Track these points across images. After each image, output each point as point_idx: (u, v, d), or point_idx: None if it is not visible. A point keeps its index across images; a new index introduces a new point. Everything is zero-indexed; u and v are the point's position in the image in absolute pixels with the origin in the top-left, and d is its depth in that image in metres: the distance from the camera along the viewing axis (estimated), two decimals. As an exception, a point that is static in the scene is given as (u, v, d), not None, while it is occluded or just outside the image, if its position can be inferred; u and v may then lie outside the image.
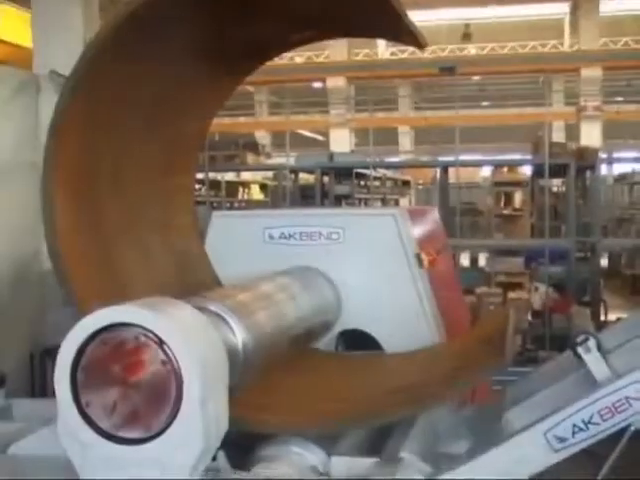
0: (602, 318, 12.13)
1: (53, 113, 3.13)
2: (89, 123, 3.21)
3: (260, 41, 3.66)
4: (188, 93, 3.74)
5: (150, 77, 3.42)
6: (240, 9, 3.30)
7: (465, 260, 17.84)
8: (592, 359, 3.10)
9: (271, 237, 4.30)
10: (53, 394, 2.48)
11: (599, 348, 3.12)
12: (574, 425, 2.87)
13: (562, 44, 31.75)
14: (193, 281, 3.98)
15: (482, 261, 17.20)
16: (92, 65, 3.06)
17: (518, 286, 14.06)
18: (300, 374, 3.69)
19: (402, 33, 3.17)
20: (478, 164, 20.98)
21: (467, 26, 30.83)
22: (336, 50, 29.79)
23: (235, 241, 4.34)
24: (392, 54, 31.42)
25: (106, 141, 3.35)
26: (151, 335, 2.38)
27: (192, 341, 2.41)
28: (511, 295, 12.69)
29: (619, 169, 23.87)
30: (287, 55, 27.22)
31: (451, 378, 3.27)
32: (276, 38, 3.74)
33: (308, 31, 3.69)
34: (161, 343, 2.37)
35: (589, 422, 2.86)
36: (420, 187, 27.94)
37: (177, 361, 2.36)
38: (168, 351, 2.36)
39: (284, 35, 3.72)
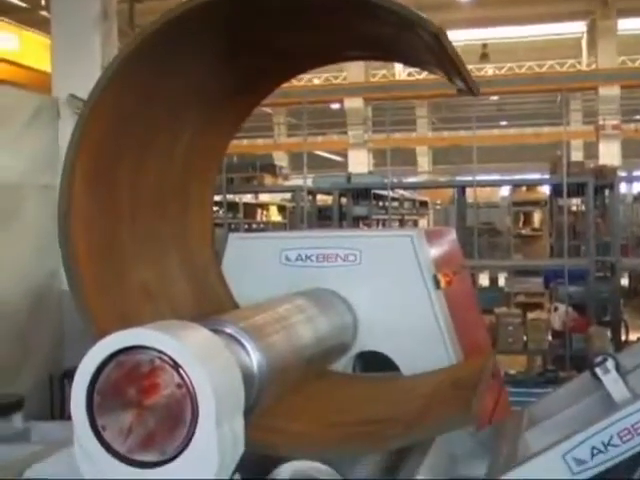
0: (623, 338, 12.03)
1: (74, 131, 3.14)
2: (109, 138, 3.22)
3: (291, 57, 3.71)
4: (208, 110, 3.75)
5: (171, 92, 3.43)
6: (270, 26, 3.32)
7: (484, 280, 17.77)
8: (610, 380, 3.07)
9: (288, 259, 4.30)
10: (71, 416, 2.49)
11: (618, 369, 3.10)
12: (593, 447, 2.84)
13: (580, 63, 31.72)
14: (210, 302, 3.98)
15: (501, 281, 17.12)
16: (114, 82, 3.08)
17: (537, 306, 13.99)
18: (314, 397, 3.68)
19: (457, 79, 3.25)
20: (496, 184, 20.93)
21: (484, 46, 30.87)
22: (354, 72, 29.91)
23: (252, 263, 4.35)
24: (409, 75, 31.51)
25: (125, 155, 3.36)
26: (166, 358, 2.38)
27: (207, 364, 2.41)
28: (530, 315, 12.61)
29: (638, 187, 23.76)
30: (305, 77, 27.38)
31: (412, 423, 3.22)
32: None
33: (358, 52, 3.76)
34: (176, 366, 2.37)
35: (608, 444, 2.84)
36: (438, 207, 27.92)
37: (192, 384, 2.36)
38: (183, 374, 2.36)
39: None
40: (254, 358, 2.90)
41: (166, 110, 3.46)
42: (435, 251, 4.42)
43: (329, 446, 3.05)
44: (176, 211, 3.87)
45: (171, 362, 2.38)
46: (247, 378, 2.72)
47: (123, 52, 3.09)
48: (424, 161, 35.93)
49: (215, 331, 2.74)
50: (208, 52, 3.39)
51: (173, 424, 2.37)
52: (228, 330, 2.93)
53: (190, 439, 2.36)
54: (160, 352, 2.38)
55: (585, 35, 31.26)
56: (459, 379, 3.68)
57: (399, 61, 4.24)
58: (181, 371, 2.37)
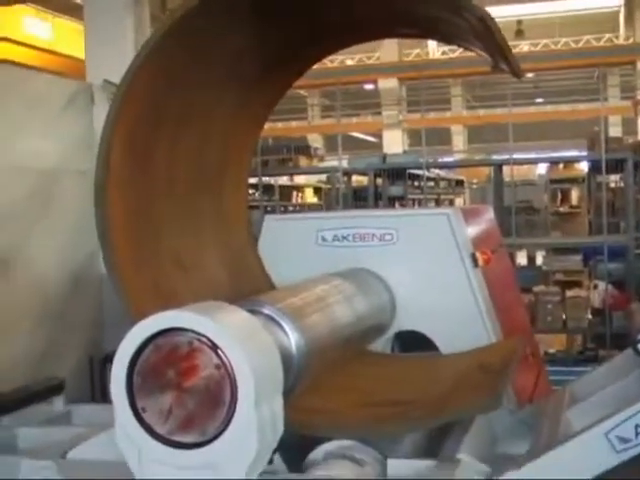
0: (663, 316, 11.87)
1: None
2: (145, 117, 3.23)
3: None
4: (242, 90, 3.74)
5: (205, 72, 3.43)
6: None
7: (522, 259, 17.62)
8: (654, 357, 3.03)
9: (324, 239, 4.29)
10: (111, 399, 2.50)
11: (661, 345, 3.05)
12: (637, 425, 2.80)
13: (617, 37, 31.21)
14: (247, 283, 3.99)
15: (539, 259, 16.96)
16: (148, 62, 3.08)
17: (576, 284, 13.84)
18: (351, 377, 3.67)
19: (502, 61, 3.27)
20: (533, 161, 20.68)
21: (519, 22, 30.47)
22: (387, 51, 29.71)
23: (288, 244, 4.34)
24: (443, 53, 31.24)
25: (161, 133, 3.37)
26: (205, 340, 2.38)
27: (246, 345, 2.40)
28: (569, 293, 12.48)
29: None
30: (338, 57, 27.24)
31: (437, 406, 3.21)
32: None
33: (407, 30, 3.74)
34: (215, 347, 2.37)
35: (653, 422, 2.80)
36: (474, 186, 27.71)
37: (231, 365, 2.36)
38: (222, 355, 2.36)
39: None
40: (292, 339, 2.89)
41: (201, 90, 3.46)
42: (472, 229, 4.37)
43: (361, 426, 3.05)
44: (212, 191, 3.87)
45: (209, 344, 2.38)
46: (285, 359, 2.72)
47: (157, 33, 3.08)
48: (459, 140, 35.65)
49: (252, 312, 2.74)
50: (241, 30, 3.37)
51: (212, 405, 2.37)
52: (266, 311, 2.92)
53: (230, 420, 2.36)
54: (198, 334, 2.38)
55: (622, 8, 30.72)
56: (488, 362, 3.65)
57: (442, 40, 4.18)
58: (220, 352, 2.37)
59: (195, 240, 3.70)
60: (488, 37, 3.03)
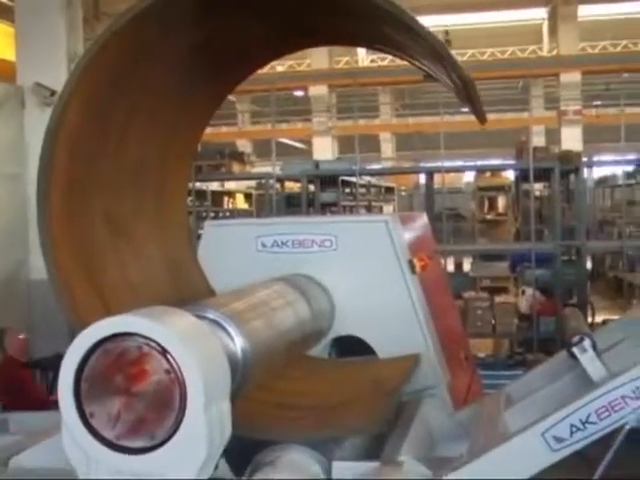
0: (589, 320, 12.22)
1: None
2: (87, 123, 3.21)
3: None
4: (183, 99, 3.75)
5: (147, 80, 3.42)
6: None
7: (449, 266, 17.88)
8: (588, 359, 3.14)
9: (264, 245, 4.32)
10: (43, 406, 2.49)
11: (594, 348, 3.16)
12: (572, 425, 2.91)
13: (541, 49, 31.93)
14: (187, 289, 3.99)
15: (466, 266, 17.26)
16: (87, 72, 3.07)
17: (503, 290, 14.13)
18: (293, 381, 3.72)
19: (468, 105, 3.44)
20: (465, 169, 21.01)
21: (446, 33, 30.94)
22: (317, 58, 29.83)
23: (228, 250, 4.36)
24: (372, 61, 31.51)
25: (103, 144, 3.35)
26: (154, 344, 2.39)
27: (195, 350, 2.42)
28: (498, 299, 12.75)
29: (598, 173, 24.11)
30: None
31: (325, 418, 3.30)
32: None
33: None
34: (164, 352, 2.38)
35: (586, 422, 2.90)
36: (403, 193, 28.00)
37: (180, 370, 2.37)
38: (171, 360, 2.37)
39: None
40: (238, 343, 2.91)
41: (145, 93, 3.45)
42: (409, 236, 4.46)
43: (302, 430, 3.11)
44: (154, 195, 3.86)
45: (159, 348, 2.39)
46: (231, 362, 2.73)
47: (97, 43, 3.08)
48: (387, 147, 35.97)
49: (198, 317, 2.75)
50: (189, 31, 3.38)
51: (161, 410, 2.38)
52: (210, 316, 2.93)
53: (179, 424, 2.37)
54: (147, 338, 2.39)
55: (546, 21, 31.46)
56: (383, 378, 3.75)
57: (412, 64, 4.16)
58: (169, 357, 2.38)
59: (138, 247, 3.69)
60: (466, 96, 3.17)
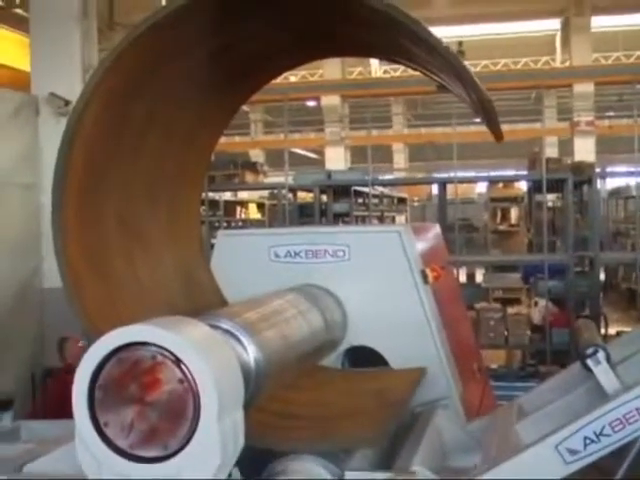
0: (602, 332, 12.15)
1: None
2: (103, 133, 3.22)
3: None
4: (198, 109, 3.77)
5: (165, 92, 3.44)
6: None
7: (461, 276, 17.85)
8: (602, 371, 3.13)
9: (277, 255, 4.33)
10: (54, 414, 2.49)
11: (608, 360, 3.15)
12: (585, 437, 2.89)
13: (554, 60, 31.91)
14: (199, 298, 4.00)
15: (479, 277, 17.22)
16: (104, 81, 3.08)
17: (516, 301, 14.10)
18: (303, 392, 3.72)
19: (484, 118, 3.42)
20: (477, 180, 20.97)
21: (460, 44, 30.95)
22: (330, 69, 29.89)
23: (241, 260, 4.37)
24: (385, 72, 31.54)
25: (118, 153, 3.36)
26: (168, 354, 2.40)
27: (208, 359, 2.42)
28: (510, 310, 12.71)
29: (611, 184, 24.04)
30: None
31: (326, 429, 3.30)
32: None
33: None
34: (178, 362, 2.39)
35: (600, 434, 2.89)
36: (415, 204, 27.98)
37: (194, 379, 2.37)
38: (185, 369, 2.38)
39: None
40: (251, 353, 2.92)
41: (159, 107, 3.47)
42: (422, 246, 4.46)
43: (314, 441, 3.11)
44: (166, 208, 3.87)
45: (173, 358, 2.39)
46: (245, 372, 2.74)
47: (113, 53, 3.09)
48: (400, 157, 35.96)
49: (211, 327, 2.76)
50: (199, 47, 3.40)
51: (175, 419, 2.39)
52: (224, 326, 2.94)
53: (192, 434, 2.38)
54: (162, 348, 2.40)
55: (559, 32, 31.44)
56: (387, 389, 3.75)
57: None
58: (183, 367, 2.38)
59: (152, 257, 3.70)
60: (484, 112, 3.18)
